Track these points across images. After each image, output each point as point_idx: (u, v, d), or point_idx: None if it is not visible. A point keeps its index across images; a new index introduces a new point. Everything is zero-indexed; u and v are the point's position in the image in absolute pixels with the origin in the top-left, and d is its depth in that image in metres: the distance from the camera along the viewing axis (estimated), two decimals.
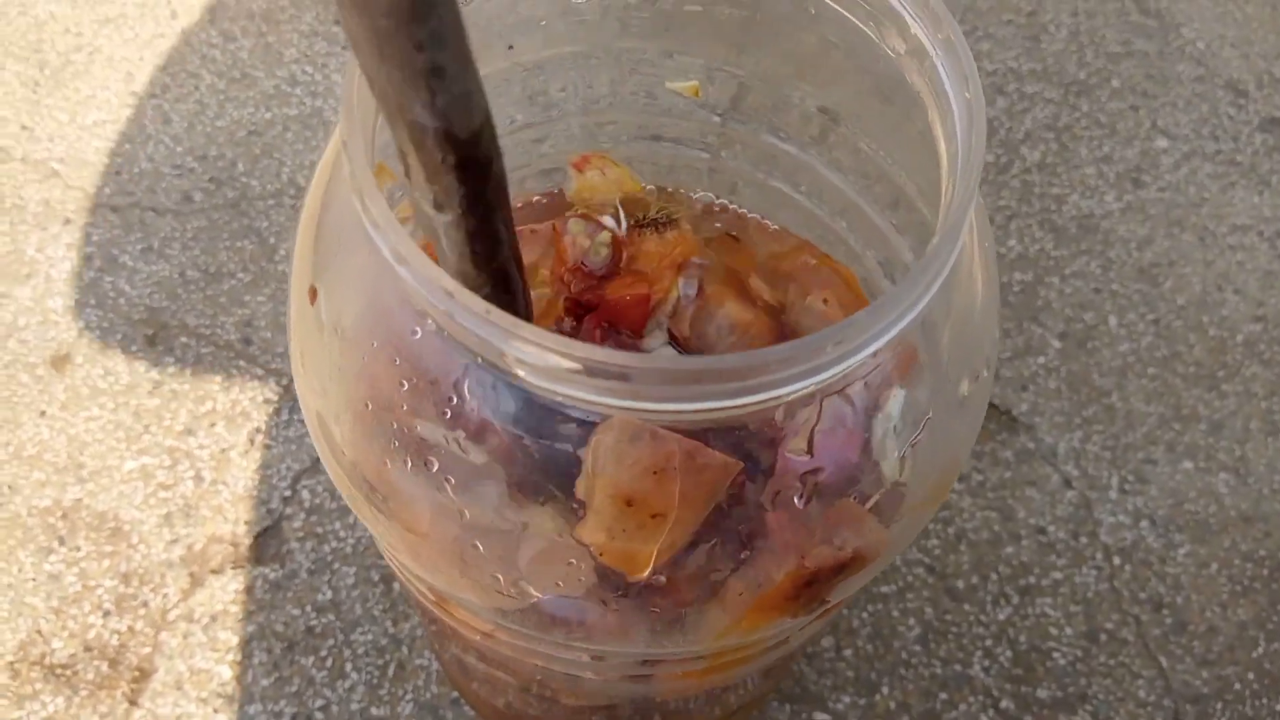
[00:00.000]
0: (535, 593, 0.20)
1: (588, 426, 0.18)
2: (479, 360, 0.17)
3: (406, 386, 0.19)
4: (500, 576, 0.20)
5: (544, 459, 0.18)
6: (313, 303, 0.21)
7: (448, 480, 0.19)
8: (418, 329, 0.19)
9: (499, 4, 0.24)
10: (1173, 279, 0.50)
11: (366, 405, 0.20)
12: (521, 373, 0.17)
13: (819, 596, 0.20)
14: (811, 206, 0.30)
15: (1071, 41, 0.57)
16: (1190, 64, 0.57)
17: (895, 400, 0.19)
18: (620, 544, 0.18)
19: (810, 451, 0.19)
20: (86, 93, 0.51)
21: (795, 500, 0.20)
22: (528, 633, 0.21)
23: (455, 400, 0.19)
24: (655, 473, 0.18)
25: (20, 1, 0.54)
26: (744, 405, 0.16)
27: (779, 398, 0.17)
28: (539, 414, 0.18)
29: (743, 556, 0.19)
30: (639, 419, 0.17)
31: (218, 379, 0.44)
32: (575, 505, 0.19)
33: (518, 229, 0.18)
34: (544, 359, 0.16)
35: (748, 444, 0.19)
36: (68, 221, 0.48)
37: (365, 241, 0.17)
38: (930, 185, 0.22)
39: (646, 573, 0.19)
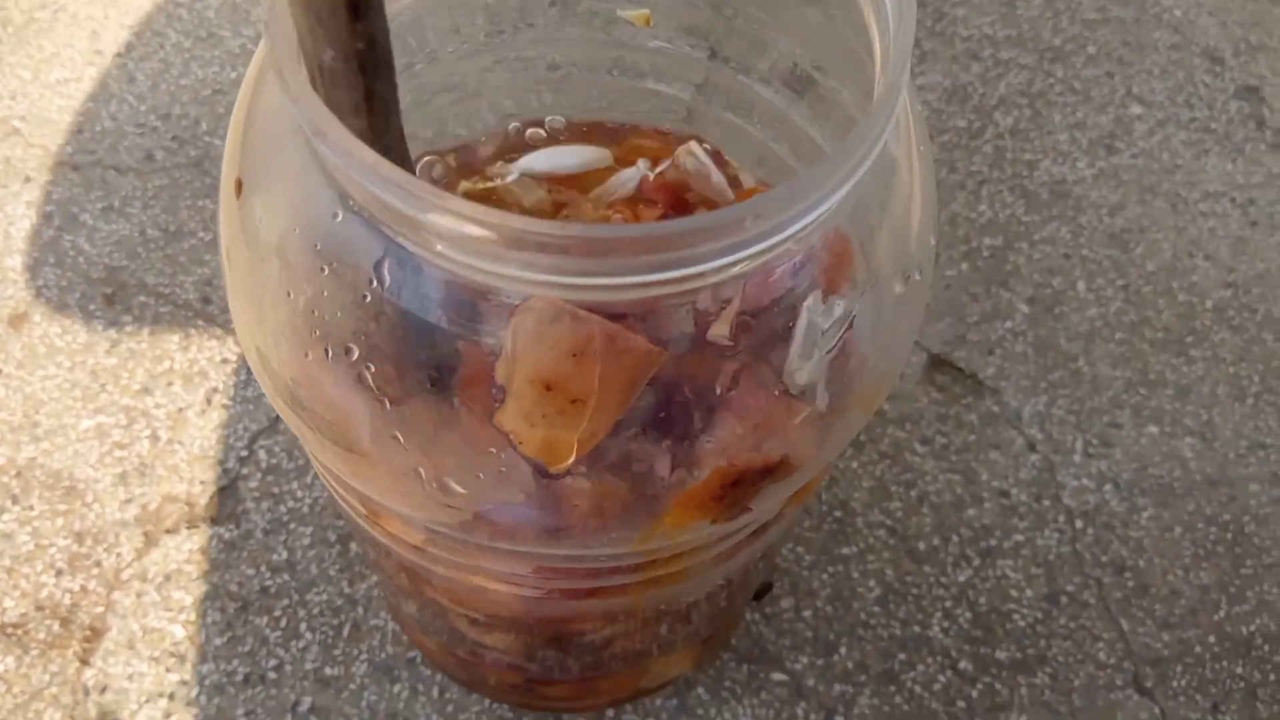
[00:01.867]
0: (457, 488, 0.19)
1: (506, 309, 0.17)
2: (398, 240, 0.17)
3: (326, 272, 0.19)
4: (422, 472, 0.19)
5: (464, 345, 0.18)
6: (239, 195, 0.21)
7: (368, 368, 0.19)
8: (338, 212, 0.18)
9: None
10: (1143, 245, 0.50)
11: (288, 294, 0.20)
12: (440, 247, 0.16)
13: (742, 501, 0.20)
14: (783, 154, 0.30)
15: (1048, 8, 0.57)
16: (1167, 31, 0.57)
17: (821, 295, 0.19)
18: (541, 431, 0.18)
19: (733, 339, 0.19)
20: (50, 51, 0.51)
21: (718, 392, 0.20)
22: (456, 538, 0.21)
23: (375, 284, 0.18)
24: (575, 355, 0.18)
25: None
26: (663, 282, 0.16)
27: (700, 275, 0.16)
28: (458, 297, 0.18)
29: (666, 447, 0.19)
30: (560, 299, 0.17)
31: (176, 338, 0.44)
32: (495, 391, 0.18)
33: None
34: (463, 228, 0.16)
35: (671, 330, 0.18)
36: (28, 180, 0.47)
37: (289, 131, 0.17)
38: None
39: (569, 461, 0.18)
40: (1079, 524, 0.43)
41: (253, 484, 0.42)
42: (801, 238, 0.17)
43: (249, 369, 0.44)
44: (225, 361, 0.44)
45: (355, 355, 0.19)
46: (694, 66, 0.31)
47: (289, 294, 0.19)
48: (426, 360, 0.19)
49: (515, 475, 0.19)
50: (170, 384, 0.43)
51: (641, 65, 0.31)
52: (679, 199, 0.29)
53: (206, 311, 0.45)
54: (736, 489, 0.19)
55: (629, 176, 0.30)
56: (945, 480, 0.43)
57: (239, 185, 0.20)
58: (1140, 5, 0.58)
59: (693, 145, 0.28)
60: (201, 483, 0.42)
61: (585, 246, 0.16)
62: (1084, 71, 0.55)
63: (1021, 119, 0.53)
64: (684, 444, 0.19)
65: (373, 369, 0.19)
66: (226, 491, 0.41)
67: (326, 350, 0.20)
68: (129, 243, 0.46)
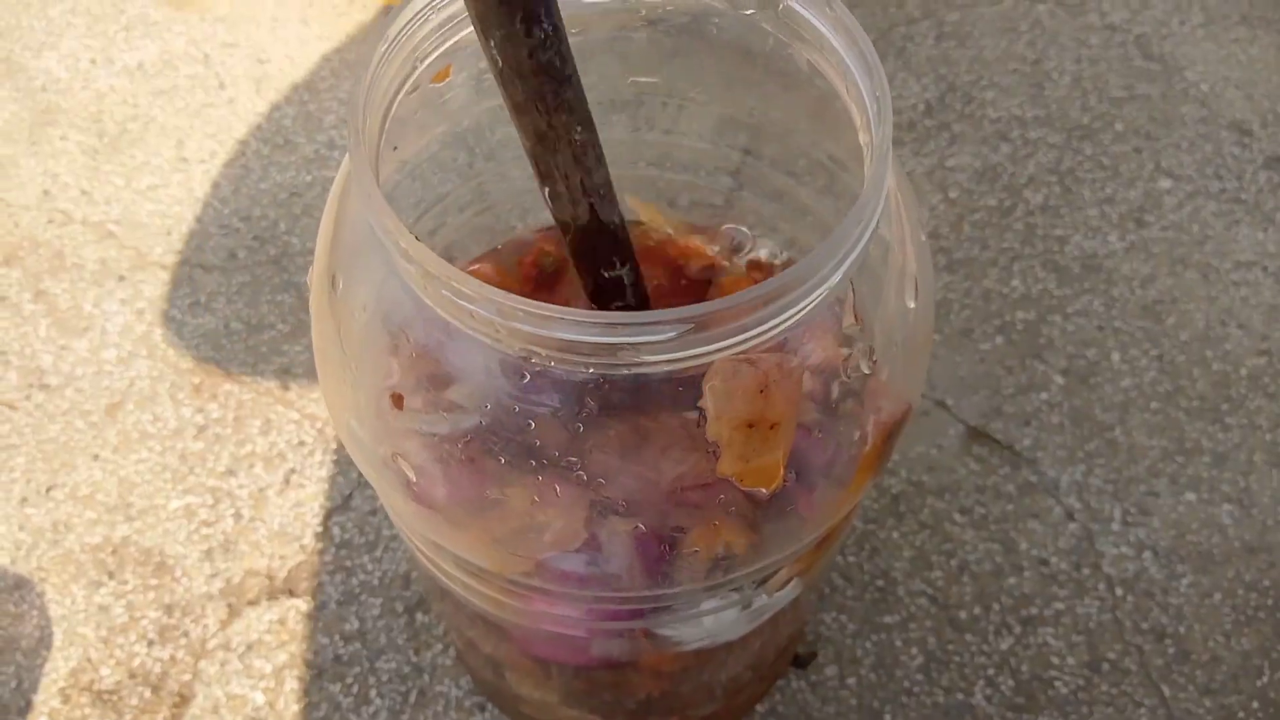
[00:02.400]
0: (530, 545, 0.22)
1: (585, 383, 0.20)
2: (478, 336, 0.20)
3: (411, 355, 0.21)
4: (496, 529, 0.22)
5: (542, 419, 0.21)
6: (334, 289, 0.24)
7: (454, 446, 0.22)
8: (418, 305, 0.21)
9: None
10: (1176, 315, 0.51)
11: (375, 376, 0.22)
12: (534, 351, 0.19)
13: (890, 451, 0.24)
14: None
15: (1075, 87, 0.59)
16: (1194, 106, 0.59)
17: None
18: (754, 463, 0.21)
19: (857, 320, 0.22)
20: (141, 159, 0.55)
21: (863, 366, 0.23)
22: (524, 585, 0.23)
23: (466, 374, 0.21)
24: (761, 391, 0.20)
25: (83, 75, 0.58)
26: (796, 311, 0.19)
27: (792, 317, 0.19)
28: (540, 384, 0.21)
29: (840, 428, 0.22)
30: (732, 358, 0.20)
31: (257, 423, 0.48)
32: (571, 462, 0.21)
33: None
34: (552, 332, 0.18)
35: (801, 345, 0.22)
36: (122, 279, 0.51)
37: (375, 239, 0.20)
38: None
39: (780, 477, 0.21)
40: (1119, 591, 0.44)
41: (327, 558, 0.45)
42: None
43: (324, 451, 0.47)
44: (302, 444, 0.47)
45: (441, 434, 0.22)
46: (730, 160, 0.34)
47: (375, 376, 0.22)
48: (507, 436, 0.21)
49: (572, 526, 0.22)
50: (252, 466, 0.46)
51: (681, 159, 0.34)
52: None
53: (285, 398, 0.48)
54: (889, 441, 0.24)
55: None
56: (985, 549, 0.45)
57: (334, 280, 0.23)
58: (1167, 81, 0.60)
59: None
60: (280, 557, 0.45)
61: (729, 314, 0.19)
62: (1112, 148, 0.57)
63: (1051, 196, 0.55)
64: (848, 418, 0.22)
65: (457, 446, 0.22)
66: (303, 566, 0.44)
67: (427, 437, 0.22)
68: (214, 336, 0.50)
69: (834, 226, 0.19)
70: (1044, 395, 0.49)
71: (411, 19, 0.23)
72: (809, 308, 0.19)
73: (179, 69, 0.58)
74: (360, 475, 0.46)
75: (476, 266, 0.32)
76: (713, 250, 0.34)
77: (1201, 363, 0.50)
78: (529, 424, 0.21)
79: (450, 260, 0.22)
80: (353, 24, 0.60)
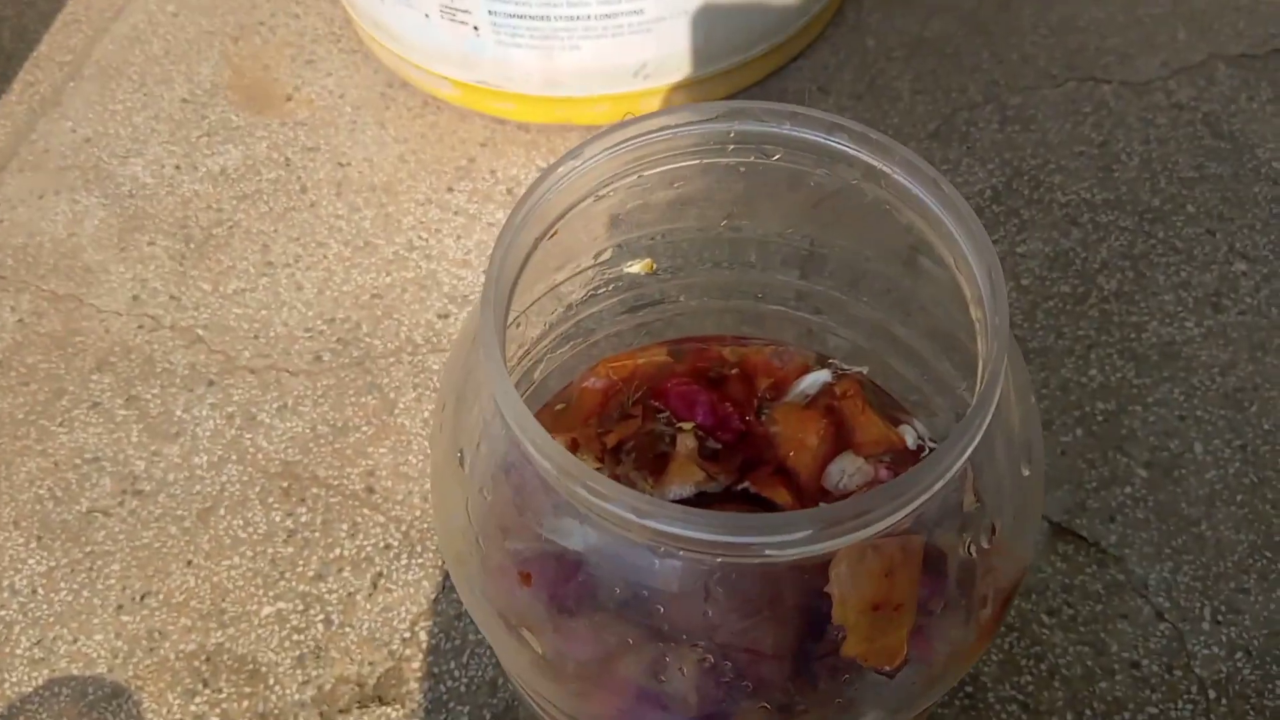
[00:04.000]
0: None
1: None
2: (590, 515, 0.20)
3: (552, 546, 0.22)
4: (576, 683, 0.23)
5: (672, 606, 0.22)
6: (461, 465, 0.24)
7: (550, 596, 0.22)
8: (565, 506, 0.22)
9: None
10: (1258, 403, 0.51)
11: (515, 558, 0.23)
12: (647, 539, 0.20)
13: (1007, 613, 0.25)
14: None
15: (1144, 169, 0.59)
16: (1266, 185, 0.58)
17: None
18: (879, 644, 0.22)
19: (977, 498, 0.22)
20: (227, 264, 0.57)
21: (982, 541, 0.23)
22: None
23: (596, 557, 0.22)
24: (886, 575, 0.21)
25: (170, 183, 0.61)
26: (920, 501, 0.19)
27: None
28: (679, 575, 0.21)
29: (961, 601, 0.22)
30: (861, 543, 0.20)
31: (345, 526, 0.48)
32: (698, 644, 0.21)
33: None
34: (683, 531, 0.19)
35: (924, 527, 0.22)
36: (211, 383, 0.53)
37: (506, 427, 0.21)
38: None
39: (904, 655, 0.22)
40: (1212, 694, 0.43)
41: (415, 664, 0.45)
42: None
43: (409, 555, 0.48)
44: (388, 547, 0.48)
45: (569, 612, 0.23)
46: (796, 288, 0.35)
47: (503, 550, 0.23)
48: (634, 617, 0.22)
49: (696, 701, 0.23)
50: (341, 570, 0.47)
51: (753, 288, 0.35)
52: (841, 420, 0.32)
53: (371, 501, 0.49)
54: (1006, 604, 0.24)
55: (815, 380, 0.33)
56: (1075, 652, 0.44)
57: (461, 456, 0.24)
58: (1238, 160, 0.59)
59: (859, 375, 0.32)
60: (370, 664, 0.45)
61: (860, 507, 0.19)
62: (1185, 230, 0.57)
63: (1125, 281, 0.55)
64: (968, 589, 0.23)
65: (584, 623, 0.22)
66: (392, 672, 0.45)
67: (520, 577, 0.23)
68: (302, 439, 0.51)
69: (916, 349, 0.20)
70: (1128, 489, 0.48)
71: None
72: (931, 495, 0.20)
73: (261, 173, 0.60)
74: (445, 580, 0.47)
75: (627, 363, 0.33)
76: (778, 365, 0.35)
77: None
78: (658, 607, 0.21)
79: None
80: (427, 125, 0.62)
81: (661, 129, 0.24)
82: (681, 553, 0.19)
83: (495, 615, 0.24)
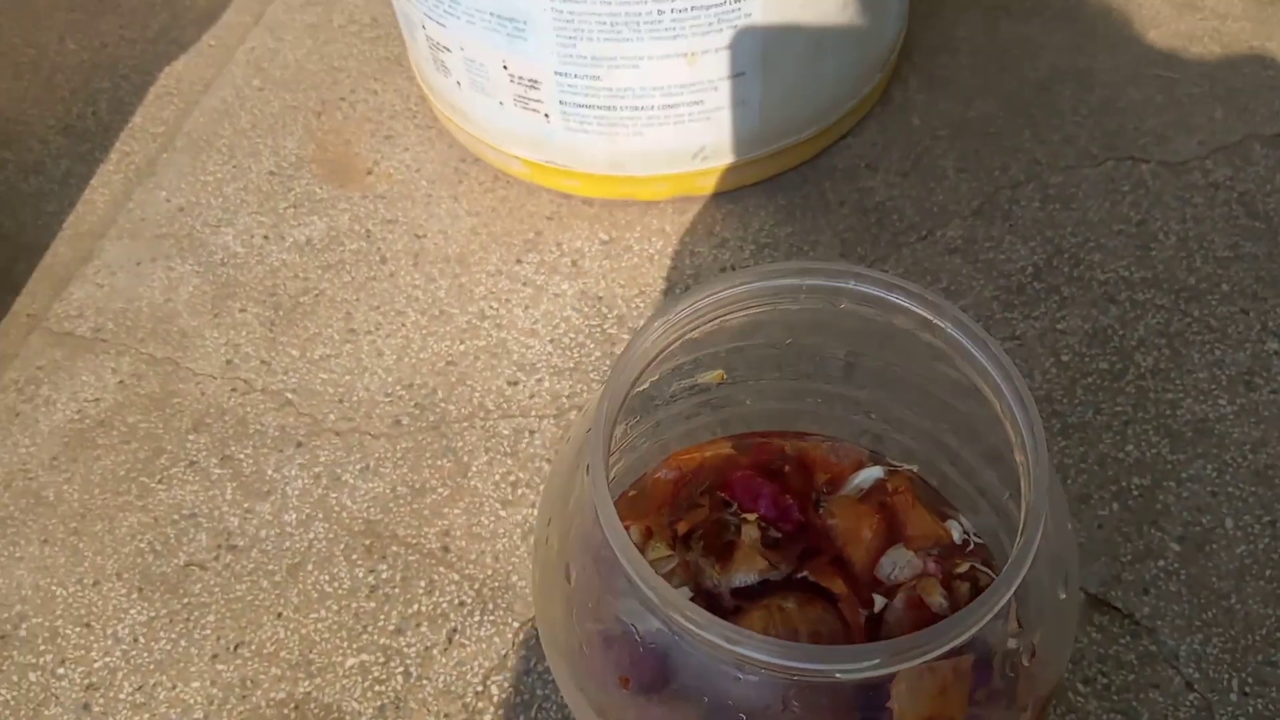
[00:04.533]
0: None
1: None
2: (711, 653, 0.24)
3: (650, 658, 0.25)
4: None
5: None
6: (568, 580, 0.28)
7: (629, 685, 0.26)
8: (664, 628, 0.25)
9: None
10: None
11: (615, 665, 0.26)
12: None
13: (1044, 717, 0.27)
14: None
15: (1181, 248, 0.62)
16: None
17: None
18: None
19: (1020, 625, 0.25)
20: (313, 330, 0.61)
21: (1024, 660, 0.26)
22: None
23: (688, 671, 0.25)
24: (941, 692, 0.24)
25: (259, 252, 0.65)
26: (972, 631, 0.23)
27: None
28: (759, 689, 0.24)
29: (1005, 710, 0.25)
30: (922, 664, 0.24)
31: (422, 583, 0.52)
32: None
33: None
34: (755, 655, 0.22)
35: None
36: (299, 445, 0.57)
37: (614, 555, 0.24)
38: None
39: None
40: None
41: (487, 716, 0.49)
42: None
43: (482, 612, 0.51)
44: (462, 604, 0.52)
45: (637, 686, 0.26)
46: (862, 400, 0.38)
47: (606, 658, 0.26)
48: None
49: None
50: (419, 625, 0.51)
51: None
52: (892, 514, 0.36)
53: (446, 559, 0.53)
54: (1044, 711, 0.27)
55: (869, 475, 0.37)
56: None
57: (568, 571, 0.27)
58: (1273, 240, 0.62)
59: (910, 473, 0.35)
60: (445, 715, 0.49)
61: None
62: (1219, 309, 0.59)
63: (1161, 359, 0.58)
64: (1014, 700, 0.26)
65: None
66: None
67: (620, 681, 0.26)
68: (382, 499, 0.55)
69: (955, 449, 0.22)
70: (1161, 563, 0.51)
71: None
72: (982, 627, 0.23)
73: (344, 244, 0.65)
74: (515, 636, 0.51)
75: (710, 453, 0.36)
76: (834, 460, 0.38)
77: None
78: (739, 715, 0.24)
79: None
80: (498, 199, 0.66)
81: (741, 284, 0.27)
82: (764, 671, 0.23)
83: (587, 704, 0.27)
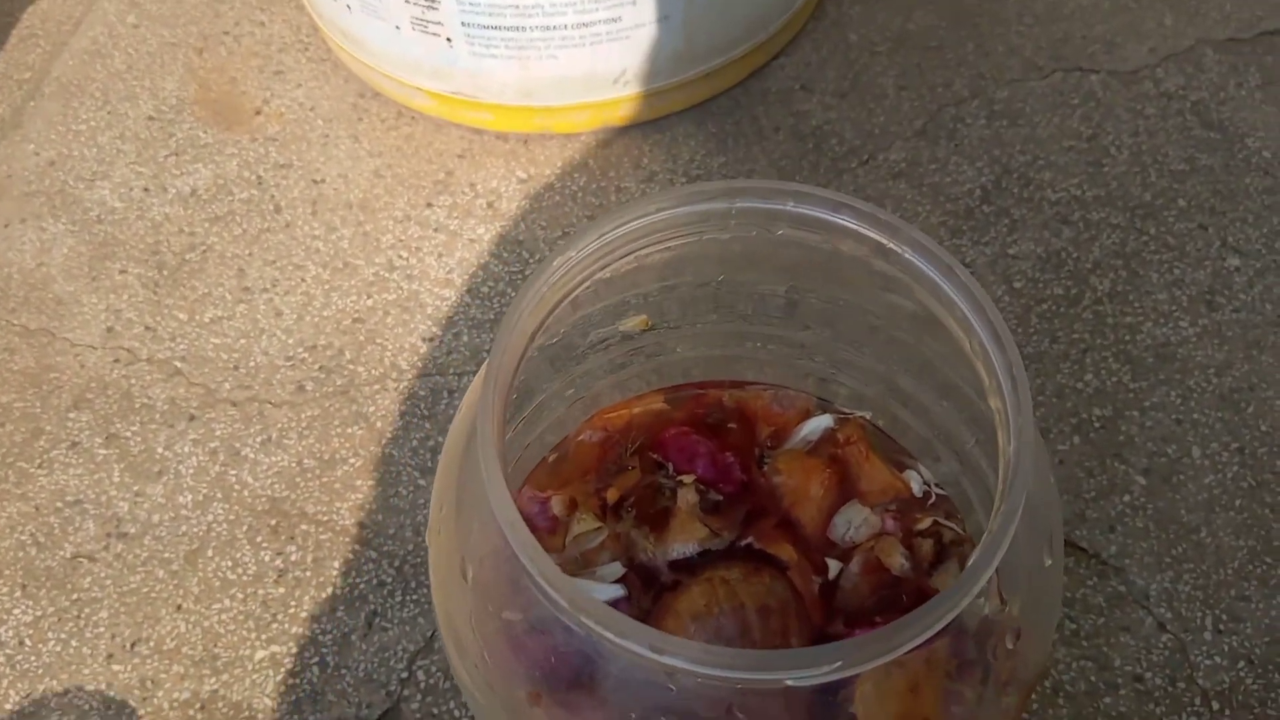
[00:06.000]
0: None
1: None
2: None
3: (563, 669, 0.21)
4: None
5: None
6: (465, 579, 0.24)
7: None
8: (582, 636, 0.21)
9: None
10: (1255, 404, 0.50)
11: (523, 678, 0.22)
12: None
13: (1030, 701, 0.25)
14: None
15: (1134, 163, 0.58)
16: (1258, 175, 0.58)
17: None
18: None
19: (1002, 601, 0.22)
20: (202, 290, 0.55)
21: (1007, 642, 0.23)
22: None
23: (611, 682, 0.21)
24: (912, 690, 0.20)
25: (139, 206, 0.59)
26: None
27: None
28: (698, 698, 0.21)
29: (988, 701, 0.22)
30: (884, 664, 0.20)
31: (336, 564, 0.48)
32: None
33: None
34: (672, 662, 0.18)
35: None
36: (192, 418, 0.52)
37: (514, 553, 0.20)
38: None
39: None
40: (1215, 705, 0.43)
41: (414, 705, 0.45)
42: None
43: (404, 591, 0.47)
44: (381, 584, 0.47)
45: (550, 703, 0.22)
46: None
47: (511, 669, 0.22)
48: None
49: None
50: (334, 610, 0.47)
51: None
52: (845, 467, 0.32)
53: (362, 536, 0.48)
54: (1027, 699, 0.24)
55: (817, 425, 0.33)
56: (1078, 668, 0.44)
57: (464, 570, 0.23)
58: (1228, 151, 0.59)
59: (863, 420, 0.31)
60: (368, 706, 0.45)
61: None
62: (1176, 226, 0.56)
63: (1118, 281, 0.54)
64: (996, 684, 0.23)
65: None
66: (390, 714, 0.44)
67: (530, 697, 0.22)
68: (288, 474, 0.50)
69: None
70: (1126, 498, 0.48)
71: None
72: (957, 611, 0.19)
73: (233, 193, 0.59)
74: None
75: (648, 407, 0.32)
76: (778, 410, 0.34)
77: None
78: None
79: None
80: (402, 137, 0.60)
81: (659, 211, 0.23)
82: (700, 680, 0.19)
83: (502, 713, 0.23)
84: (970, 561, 0.19)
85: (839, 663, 0.18)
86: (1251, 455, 0.49)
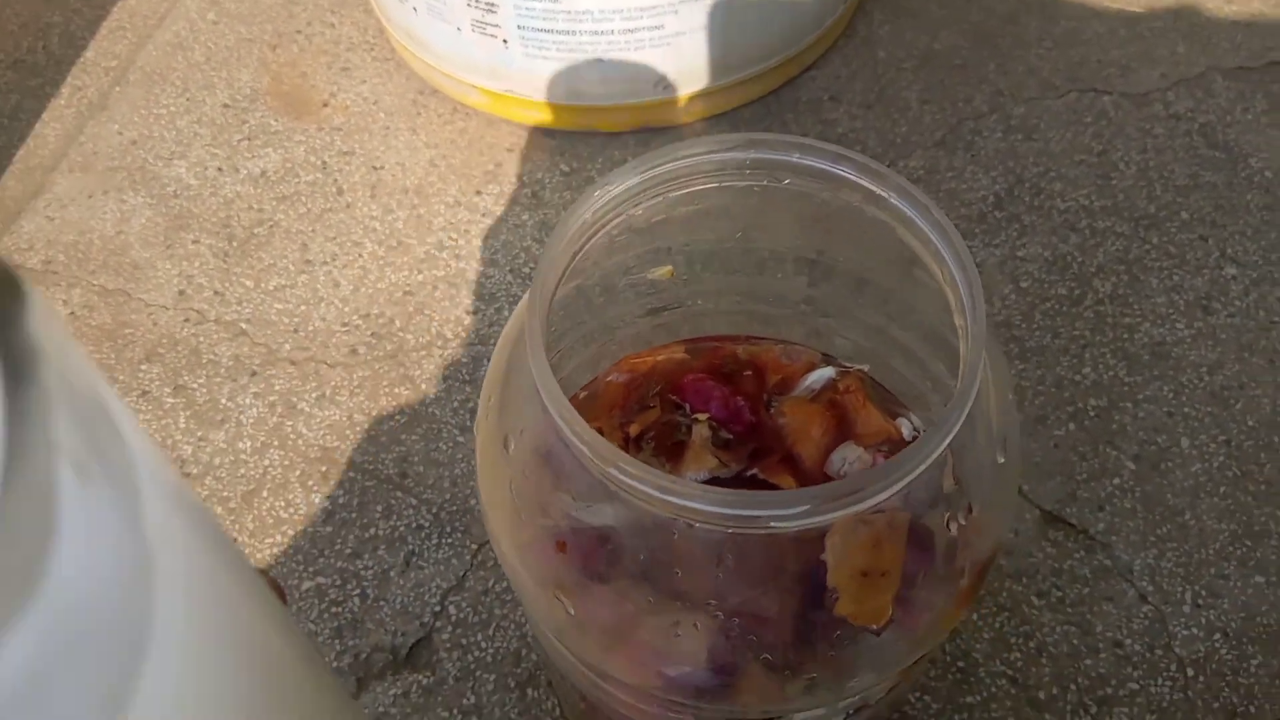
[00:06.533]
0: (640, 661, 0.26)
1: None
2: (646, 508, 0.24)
3: (586, 519, 0.25)
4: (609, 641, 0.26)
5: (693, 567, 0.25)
6: (505, 449, 0.28)
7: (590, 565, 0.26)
8: (598, 485, 0.25)
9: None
10: (1243, 401, 0.53)
11: (552, 530, 0.26)
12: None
13: (983, 583, 0.28)
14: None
15: (1141, 177, 0.62)
16: (1259, 193, 0.61)
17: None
18: (867, 605, 0.25)
19: (956, 481, 0.25)
20: (268, 261, 0.60)
21: (960, 518, 0.26)
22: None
23: (624, 529, 0.25)
24: (874, 545, 0.24)
25: (212, 184, 0.64)
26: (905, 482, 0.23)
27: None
28: (696, 543, 0.24)
29: (941, 571, 0.25)
30: (853, 515, 0.23)
31: (379, 508, 0.52)
32: (710, 603, 0.25)
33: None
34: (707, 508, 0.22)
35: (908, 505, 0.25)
36: (254, 374, 0.56)
37: (546, 414, 0.24)
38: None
39: (889, 616, 0.25)
40: (1190, 672, 0.46)
41: (445, 636, 0.48)
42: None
43: (440, 535, 0.51)
44: (420, 528, 0.51)
45: (599, 578, 0.26)
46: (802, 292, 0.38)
47: (543, 523, 0.26)
48: (656, 580, 0.25)
49: (705, 653, 0.26)
50: (376, 549, 0.51)
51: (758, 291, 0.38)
52: (843, 412, 0.35)
53: (404, 484, 0.52)
54: (982, 576, 0.27)
55: (820, 376, 0.36)
56: (1062, 631, 0.47)
57: (505, 441, 0.27)
58: (1232, 170, 0.62)
59: (861, 373, 0.35)
60: (403, 634, 0.49)
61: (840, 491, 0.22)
62: (1178, 236, 0.59)
63: (1120, 284, 0.58)
64: (948, 562, 0.26)
65: (612, 587, 0.25)
66: (423, 643, 0.48)
67: (557, 546, 0.26)
68: (339, 426, 0.54)
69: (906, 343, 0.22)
70: (1116, 480, 0.51)
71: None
72: (915, 476, 0.23)
73: (300, 176, 0.64)
74: (473, 558, 0.50)
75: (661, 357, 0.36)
76: (786, 362, 0.38)
77: (1269, 448, 0.52)
78: (675, 571, 0.24)
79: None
80: (456, 131, 0.65)
81: (686, 156, 0.27)
82: (697, 525, 0.23)
83: (533, 581, 0.27)
84: (925, 434, 0.22)
85: (808, 505, 0.21)
86: (1237, 447, 0.52)
